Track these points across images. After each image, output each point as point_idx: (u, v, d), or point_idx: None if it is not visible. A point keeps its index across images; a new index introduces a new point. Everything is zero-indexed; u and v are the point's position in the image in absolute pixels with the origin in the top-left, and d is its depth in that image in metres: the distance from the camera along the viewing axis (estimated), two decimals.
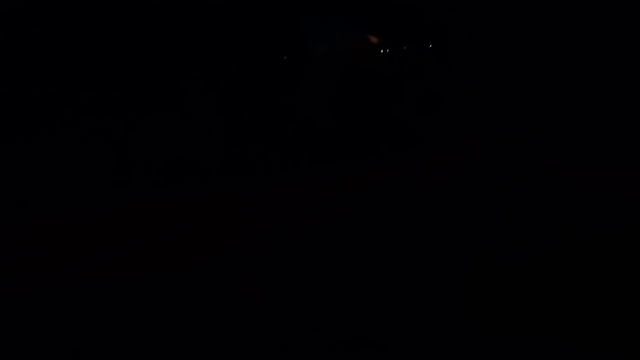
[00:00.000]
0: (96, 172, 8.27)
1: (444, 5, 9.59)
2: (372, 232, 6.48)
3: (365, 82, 9.51)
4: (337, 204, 7.38)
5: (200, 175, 8.39)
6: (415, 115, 9.30)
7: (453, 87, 9.42)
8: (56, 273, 5.79)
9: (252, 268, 5.77)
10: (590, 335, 4.33)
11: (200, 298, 5.17)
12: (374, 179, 8.16)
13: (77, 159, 8.34)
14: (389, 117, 9.37)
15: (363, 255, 5.91)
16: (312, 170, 8.66)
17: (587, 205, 6.81)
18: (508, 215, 6.69)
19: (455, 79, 9.49)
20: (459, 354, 4.22)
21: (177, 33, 9.13)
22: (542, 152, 8.42)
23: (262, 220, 6.97)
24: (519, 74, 9.45)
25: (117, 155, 8.51)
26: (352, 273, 5.54)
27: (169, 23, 9.12)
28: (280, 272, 5.65)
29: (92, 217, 7.18)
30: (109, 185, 8.09)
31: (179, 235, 6.65)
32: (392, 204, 7.27)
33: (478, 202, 7.05)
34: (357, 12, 9.35)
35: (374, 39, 9.28)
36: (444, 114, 9.27)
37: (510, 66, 9.48)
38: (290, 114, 9.20)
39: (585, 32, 9.46)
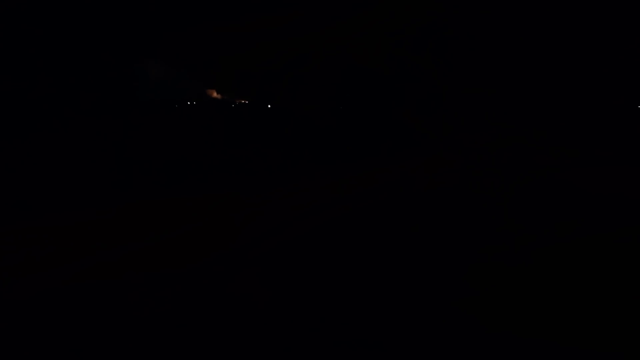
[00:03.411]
0: (96, 172, 8.26)
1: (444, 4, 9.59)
2: (372, 232, 6.48)
3: (365, 82, 9.50)
4: (337, 204, 7.37)
5: (200, 175, 8.39)
6: (415, 115, 9.30)
7: (453, 87, 9.41)
8: (56, 273, 5.78)
9: (252, 268, 5.77)
10: (590, 335, 4.33)
11: (200, 298, 5.17)
12: (374, 179, 8.15)
13: (77, 159, 8.34)
14: (389, 117, 9.36)
15: (363, 255, 5.91)
16: (312, 170, 8.65)
17: (587, 205, 6.81)
18: (508, 215, 6.69)
19: (455, 79, 9.48)
20: (459, 354, 4.22)
21: (177, 32, 9.14)
22: (542, 152, 8.42)
23: (262, 220, 6.96)
24: (519, 74, 9.44)
25: (117, 156, 8.51)
26: (353, 273, 5.54)
27: (168, 23, 9.12)
28: (280, 272, 5.65)
29: (92, 217, 7.17)
30: (109, 186, 8.09)
31: (179, 235, 6.65)
32: (392, 204, 7.26)
33: (478, 202, 7.05)
34: None
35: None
36: (444, 114, 9.26)
37: (510, 66, 9.48)
38: (290, 114, 9.20)
39: (584, 32, 9.46)
